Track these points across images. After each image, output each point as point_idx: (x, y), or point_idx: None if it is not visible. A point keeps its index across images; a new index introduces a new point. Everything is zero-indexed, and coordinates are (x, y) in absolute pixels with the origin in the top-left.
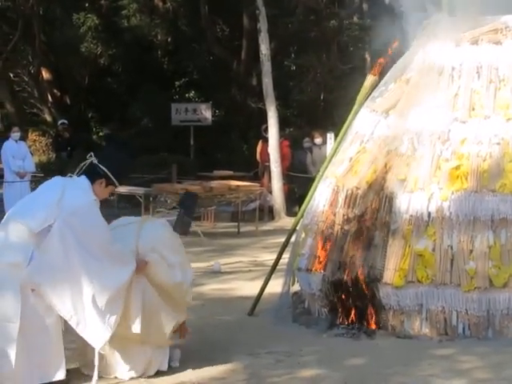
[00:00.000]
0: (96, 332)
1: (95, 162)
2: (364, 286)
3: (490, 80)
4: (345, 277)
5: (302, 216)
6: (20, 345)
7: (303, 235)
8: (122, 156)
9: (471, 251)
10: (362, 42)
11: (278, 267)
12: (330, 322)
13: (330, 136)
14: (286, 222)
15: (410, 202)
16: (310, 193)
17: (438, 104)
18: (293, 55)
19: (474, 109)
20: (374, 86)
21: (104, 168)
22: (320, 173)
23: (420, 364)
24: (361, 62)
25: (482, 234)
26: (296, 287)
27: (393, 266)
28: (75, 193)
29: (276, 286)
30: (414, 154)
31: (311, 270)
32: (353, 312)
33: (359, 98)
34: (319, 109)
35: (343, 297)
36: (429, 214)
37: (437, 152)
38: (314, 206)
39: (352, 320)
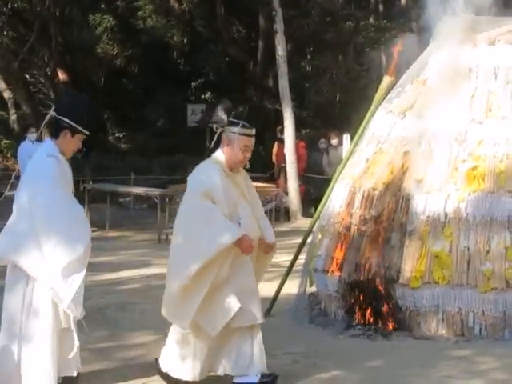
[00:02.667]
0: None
1: (54, 114)
2: (380, 286)
3: (507, 81)
4: (361, 278)
5: (318, 217)
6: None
7: (319, 236)
8: (77, 100)
9: (488, 252)
10: (378, 42)
11: (294, 268)
12: (347, 323)
13: (346, 137)
14: (302, 223)
15: (427, 203)
16: (326, 194)
17: (454, 105)
18: (309, 56)
19: (490, 110)
20: (391, 87)
21: (63, 118)
22: (336, 174)
23: (437, 365)
24: (377, 63)
25: (499, 235)
26: (312, 288)
27: (409, 266)
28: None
29: (292, 287)
30: (431, 155)
31: (328, 271)
32: (369, 313)
33: (376, 98)
34: (335, 110)
35: (360, 298)
36: (445, 214)
37: (454, 153)
38: (330, 207)
39: (368, 321)
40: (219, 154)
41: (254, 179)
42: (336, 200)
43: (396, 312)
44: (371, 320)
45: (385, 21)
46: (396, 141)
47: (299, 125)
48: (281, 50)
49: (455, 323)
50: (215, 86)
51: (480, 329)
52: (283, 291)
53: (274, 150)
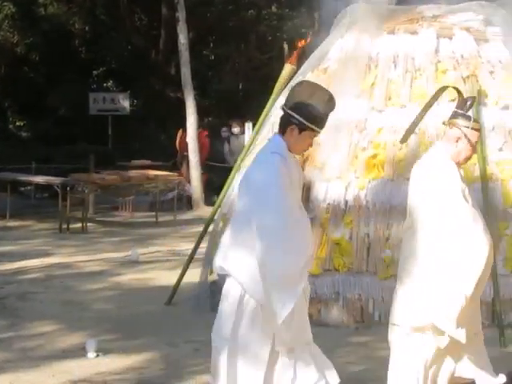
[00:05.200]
0: None
1: (282, 106)
2: None
3: (407, 69)
4: None
5: (219, 205)
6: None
7: (221, 224)
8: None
9: (387, 239)
10: (280, 31)
11: (196, 257)
12: None
13: (248, 125)
14: (205, 211)
15: (328, 190)
16: (227, 182)
17: (355, 93)
18: (211, 45)
19: (390, 98)
20: (292, 76)
21: (292, 112)
22: (238, 162)
23: (337, 351)
24: (279, 52)
25: (398, 223)
26: (214, 276)
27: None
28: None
29: (194, 275)
30: (331, 143)
31: None
32: None
33: (276, 87)
34: (238, 98)
35: None
36: (346, 202)
37: (354, 141)
38: (232, 195)
39: None
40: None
41: (156, 168)
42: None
43: None
44: None
45: (287, 9)
46: None
47: (202, 113)
48: (183, 38)
49: (355, 310)
50: (117, 74)
51: (380, 315)
52: (185, 280)
53: (178, 138)
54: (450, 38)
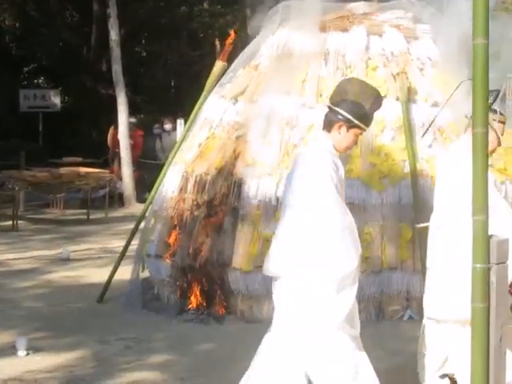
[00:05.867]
0: None
1: (328, 104)
2: (213, 271)
3: (337, 66)
4: (194, 262)
5: (151, 202)
6: None
7: (152, 221)
8: (363, 88)
9: None
10: (212, 28)
11: (127, 254)
12: (180, 308)
13: (180, 122)
14: (137, 208)
15: (259, 187)
16: (159, 179)
17: (286, 90)
18: (143, 41)
19: (321, 95)
20: (223, 72)
21: (340, 110)
22: (169, 159)
23: None
24: (211, 49)
25: None
26: (146, 274)
27: (241, 250)
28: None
29: (126, 272)
30: (263, 139)
31: (160, 256)
32: (202, 297)
33: (208, 84)
34: (170, 95)
35: (192, 282)
36: (277, 198)
37: (285, 137)
38: (163, 192)
39: (201, 305)
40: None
41: (87, 165)
42: (168, 185)
43: (228, 296)
44: (204, 304)
45: (219, 6)
46: (228, 126)
47: (134, 110)
48: (114, 34)
49: None
50: (48, 71)
51: None
52: (116, 277)
53: (109, 135)
54: (380, 36)
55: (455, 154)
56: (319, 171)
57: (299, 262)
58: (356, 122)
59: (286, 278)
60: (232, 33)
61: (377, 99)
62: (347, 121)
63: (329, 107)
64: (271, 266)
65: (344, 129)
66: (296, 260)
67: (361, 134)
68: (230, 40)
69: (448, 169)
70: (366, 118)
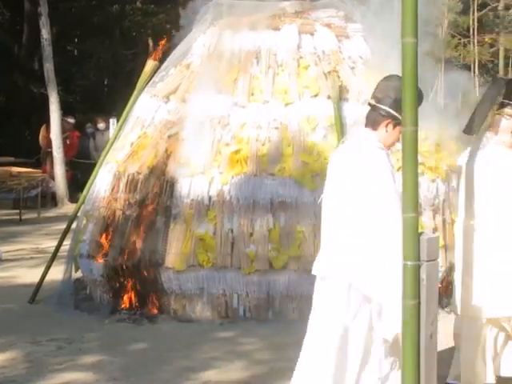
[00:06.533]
0: None
1: (372, 102)
2: (145, 270)
3: (269, 65)
4: (126, 262)
5: (83, 202)
6: None
7: (84, 221)
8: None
9: (251, 234)
10: (144, 27)
11: (60, 254)
12: (112, 308)
13: (113, 121)
14: (69, 208)
15: (191, 186)
16: (91, 179)
17: (218, 89)
18: (76, 40)
19: (253, 94)
20: (155, 71)
21: (387, 108)
22: (101, 158)
23: (202, 347)
24: (144, 47)
25: (262, 218)
26: (78, 274)
27: (174, 250)
28: None
29: (58, 272)
30: (195, 138)
31: (93, 256)
32: (135, 297)
33: (139, 83)
34: (103, 94)
35: (125, 282)
36: (209, 198)
37: (217, 136)
38: (95, 191)
39: (134, 305)
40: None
41: (19, 165)
42: (101, 184)
43: (161, 295)
44: (137, 304)
45: (152, 5)
46: (160, 125)
47: (66, 109)
48: (45, 33)
49: (220, 305)
50: None
51: (244, 310)
52: (49, 277)
53: (41, 134)
54: (312, 34)
55: (487, 153)
56: (379, 169)
57: (358, 261)
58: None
59: (336, 279)
60: (165, 38)
61: (419, 95)
62: (393, 118)
63: (372, 105)
64: (325, 266)
65: (391, 126)
66: (354, 260)
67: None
68: (163, 42)
69: (481, 169)
70: None
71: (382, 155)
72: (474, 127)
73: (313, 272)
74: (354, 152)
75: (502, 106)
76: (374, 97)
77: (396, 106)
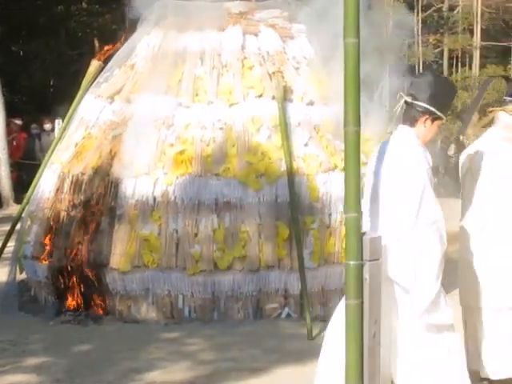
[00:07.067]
0: None
1: (408, 100)
2: (90, 271)
3: (213, 66)
4: (71, 263)
5: (27, 203)
6: None
7: (29, 222)
8: (439, 79)
9: (196, 235)
10: (90, 27)
11: (4, 255)
12: (57, 309)
13: (59, 122)
14: (15, 209)
15: (136, 187)
16: (35, 180)
17: (162, 89)
18: (21, 41)
19: (197, 94)
20: (99, 72)
21: (425, 104)
22: (45, 159)
23: (147, 348)
24: (90, 48)
25: (207, 218)
26: (23, 275)
27: (119, 251)
28: None
29: (2, 274)
30: (139, 139)
31: (37, 258)
32: (80, 298)
33: (84, 83)
34: (48, 95)
35: (70, 283)
36: (154, 198)
37: (161, 137)
38: (39, 192)
39: (79, 306)
40: None
41: None
42: (45, 185)
43: (106, 296)
44: (82, 305)
45: (97, 6)
46: (105, 125)
47: (11, 110)
48: None
49: (165, 306)
50: None
51: (189, 311)
52: None
53: None
54: (256, 35)
55: (492, 150)
56: (415, 168)
57: (397, 255)
58: (439, 113)
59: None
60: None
61: (452, 89)
62: (431, 113)
63: (409, 103)
64: None
65: (429, 122)
66: (394, 254)
67: (442, 124)
68: (111, 47)
69: (486, 165)
70: (446, 109)
71: (420, 153)
72: (462, 127)
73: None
74: (393, 150)
75: (505, 102)
76: (409, 94)
77: (432, 101)
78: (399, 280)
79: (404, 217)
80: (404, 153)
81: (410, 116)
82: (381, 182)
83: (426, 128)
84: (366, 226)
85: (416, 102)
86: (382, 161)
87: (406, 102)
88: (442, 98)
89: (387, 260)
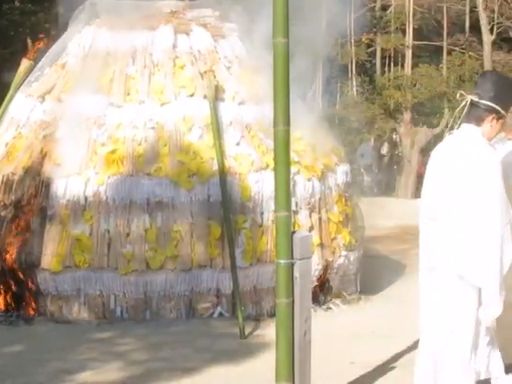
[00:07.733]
0: None
1: (474, 99)
2: (21, 272)
3: (145, 65)
4: (2, 263)
5: None
6: None
7: None
8: (503, 79)
9: (128, 234)
10: (23, 26)
11: None
12: None
13: None
14: None
15: (67, 186)
16: None
17: (93, 89)
18: None
19: (129, 94)
20: (30, 71)
21: (491, 103)
22: None
23: (78, 348)
24: (22, 47)
25: (139, 218)
26: None
27: (50, 251)
28: None
29: None
30: (70, 138)
31: None
32: (10, 299)
33: (14, 82)
34: None
35: (0, 284)
36: (85, 198)
37: (93, 136)
38: None
39: (10, 307)
40: None
41: None
42: None
43: (38, 297)
44: (12, 306)
45: (30, 4)
46: (35, 125)
47: None
48: None
49: (97, 306)
50: None
51: (121, 311)
52: None
53: None
54: (188, 34)
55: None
56: (494, 169)
57: (458, 256)
58: (503, 112)
59: (446, 270)
60: (43, 41)
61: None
62: (497, 112)
63: (474, 102)
64: (436, 258)
65: (495, 120)
66: (455, 254)
67: (504, 122)
68: (40, 43)
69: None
70: (508, 107)
71: (492, 154)
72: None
73: (421, 266)
74: (461, 148)
75: None
76: (475, 94)
77: (497, 100)
78: (472, 278)
79: (492, 219)
80: (476, 152)
81: (475, 115)
82: (449, 178)
83: (491, 127)
84: (423, 217)
85: (482, 101)
86: (449, 158)
87: (472, 101)
88: (507, 98)
89: (457, 257)
